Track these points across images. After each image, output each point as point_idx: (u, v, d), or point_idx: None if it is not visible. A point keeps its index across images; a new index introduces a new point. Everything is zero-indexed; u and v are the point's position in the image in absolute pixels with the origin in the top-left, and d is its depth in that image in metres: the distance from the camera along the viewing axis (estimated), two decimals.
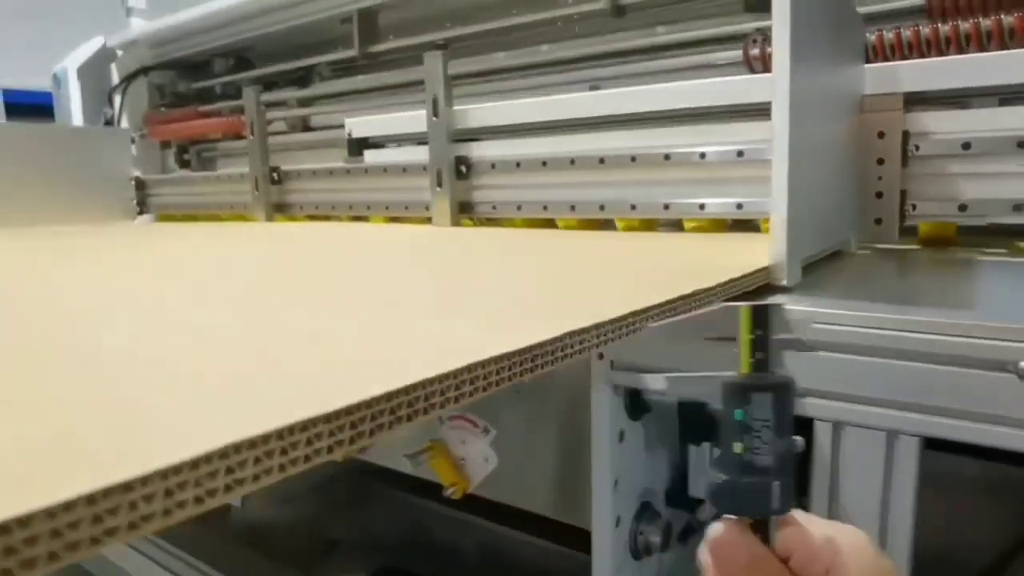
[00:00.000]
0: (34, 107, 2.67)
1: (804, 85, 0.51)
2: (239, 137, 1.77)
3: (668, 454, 0.62)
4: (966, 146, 0.71)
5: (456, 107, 1.10)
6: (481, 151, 1.10)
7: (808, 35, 0.52)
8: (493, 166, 1.08)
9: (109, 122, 2.08)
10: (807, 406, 0.45)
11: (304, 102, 1.67)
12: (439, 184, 1.11)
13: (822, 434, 0.44)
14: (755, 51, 0.98)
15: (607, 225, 0.99)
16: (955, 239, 0.76)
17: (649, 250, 0.73)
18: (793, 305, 0.46)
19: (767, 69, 0.97)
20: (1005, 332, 0.38)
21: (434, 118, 1.09)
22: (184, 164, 2.04)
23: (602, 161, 0.96)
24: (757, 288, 0.50)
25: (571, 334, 0.29)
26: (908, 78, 0.75)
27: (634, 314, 0.34)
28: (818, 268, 0.61)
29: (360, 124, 1.26)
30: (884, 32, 0.84)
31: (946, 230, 0.77)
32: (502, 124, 1.08)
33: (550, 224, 1.03)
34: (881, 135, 0.74)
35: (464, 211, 1.12)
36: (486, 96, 1.30)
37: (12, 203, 1.52)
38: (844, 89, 0.70)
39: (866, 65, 0.77)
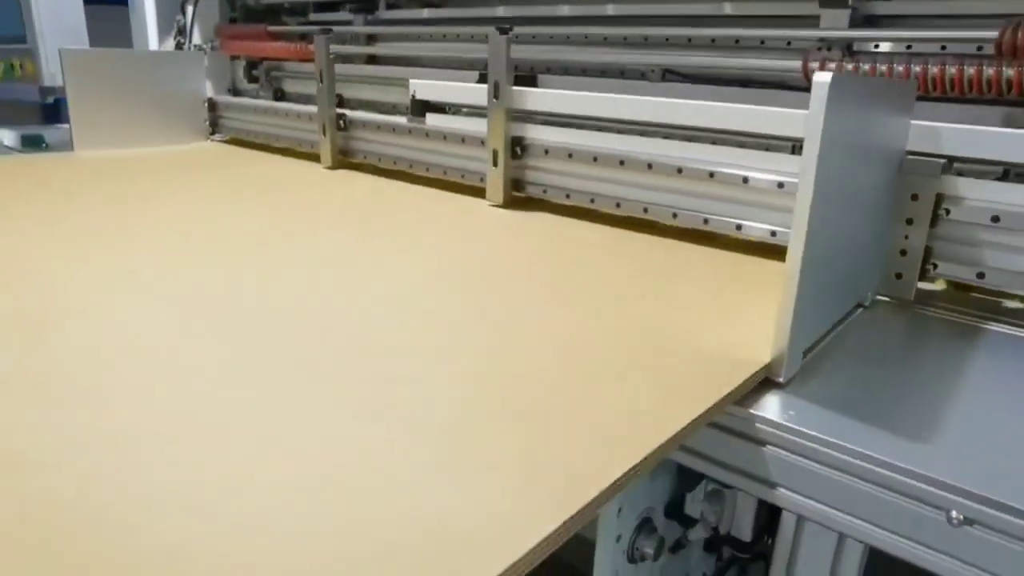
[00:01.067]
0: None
1: (834, 168, 0.56)
2: (307, 59, 1.82)
3: (670, 471, 0.72)
4: (995, 218, 0.74)
5: (515, 88, 1.14)
6: (536, 135, 1.15)
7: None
8: (546, 152, 1.13)
9: (181, 31, 2.14)
10: (778, 496, 0.54)
11: (371, 36, 1.70)
12: (495, 163, 1.16)
13: (787, 522, 0.53)
14: (815, 64, 0.99)
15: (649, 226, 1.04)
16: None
17: (656, 310, 0.73)
18: (771, 415, 0.53)
19: None
20: (946, 486, 0.46)
21: (494, 99, 1.14)
22: (253, 80, 2.10)
23: (650, 167, 1.00)
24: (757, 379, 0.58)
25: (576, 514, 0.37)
26: (951, 142, 0.77)
27: (634, 467, 0.42)
28: (822, 339, 0.67)
29: (424, 87, 1.31)
30: (947, 67, 0.85)
31: None
32: (558, 113, 1.12)
33: (594, 215, 1.09)
34: (915, 197, 0.77)
35: (517, 188, 1.18)
36: (543, 42, 1.34)
37: (95, 126, 1.63)
38: (886, 147, 0.73)
39: (912, 122, 0.78)
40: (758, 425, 0.54)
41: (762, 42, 1.12)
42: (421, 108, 1.32)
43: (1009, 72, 0.81)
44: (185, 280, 0.78)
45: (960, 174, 0.77)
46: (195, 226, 1.02)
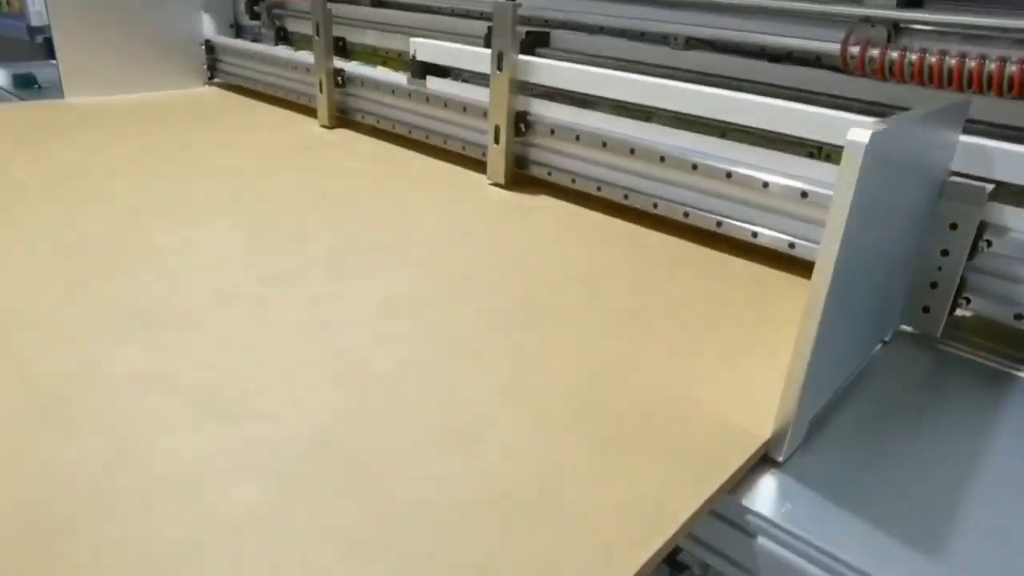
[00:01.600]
0: None
1: (860, 226, 0.48)
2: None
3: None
4: None
5: (521, 58, 1.04)
6: (542, 110, 1.05)
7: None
8: (552, 132, 1.04)
9: None
10: None
11: None
12: (496, 140, 1.08)
13: None
14: (854, 49, 0.88)
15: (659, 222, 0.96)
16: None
17: (645, 353, 0.64)
18: (764, 507, 0.48)
19: (864, 72, 0.88)
20: None
21: (498, 71, 1.04)
22: (255, 16, 1.98)
23: (662, 159, 0.92)
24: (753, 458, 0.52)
25: None
26: (1006, 165, 0.67)
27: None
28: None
29: (426, 47, 1.20)
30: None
31: None
32: (566, 89, 1.02)
33: (601, 203, 1.01)
34: (954, 227, 0.68)
35: (520, 167, 1.10)
36: None
37: (86, 70, 1.54)
38: (927, 169, 0.64)
39: (961, 139, 0.69)
40: (748, 517, 0.48)
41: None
42: (422, 69, 1.22)
43: None
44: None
45: (1009, 201, 0.68)
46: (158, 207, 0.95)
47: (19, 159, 1.13)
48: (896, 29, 0.91)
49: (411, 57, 1.22)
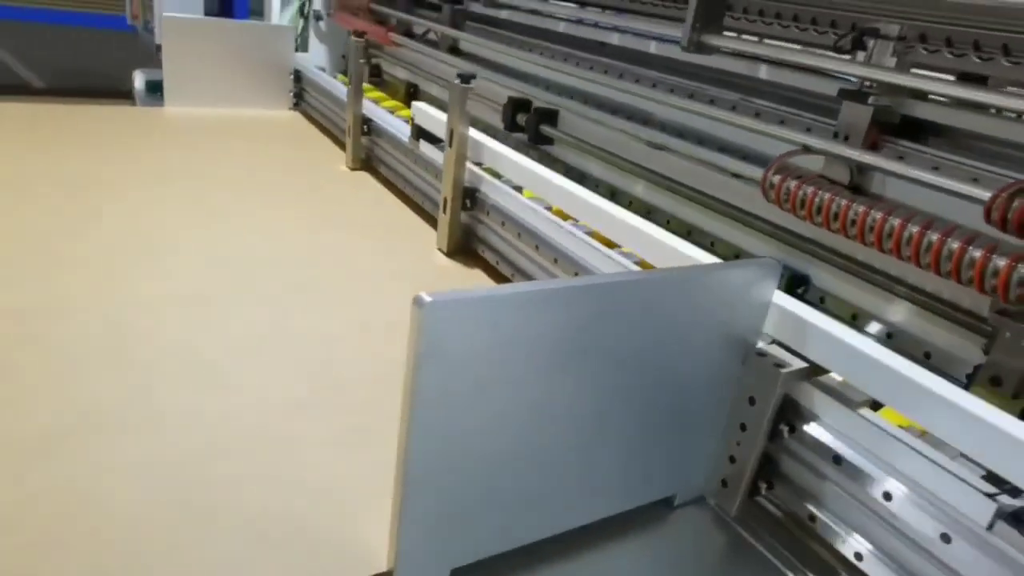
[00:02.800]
0: None
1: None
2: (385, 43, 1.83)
3: None
4: (836, 459, 0.57)
5: (472, 136, 1.06)
6: (489, 192, 1.06)
7: None
8: (487, 212, 1.04)
9: None
10: None
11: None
12: (443, 210, 1.10)
13: None
14: (775, 178, 0.81)
15: None
16: None
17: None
18: None
19: (779, 203, 0.81)
20: None
21: (448, 147, 1.07)
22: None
23: (576, 274, 0.89)
24: None
25: None
26: (822, 350, 0.59)
27: None
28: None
29: (420, 112, 1.26)
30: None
31: None
32: (507, 174, 1.03)
33: None
34: (752, 401, 0.61)
35: (467, 239, 1.12)
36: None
37: (186, 86, 1.77)
38: (719, 329, 0.58)
39: (775, 304, 0.61)
40: None
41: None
42: (418, 132, 1.28)
43: (998, 263, 0.61)
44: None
45: (824, 387, 0.60)
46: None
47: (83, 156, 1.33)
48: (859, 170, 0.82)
49: (411, 119, 1.29)
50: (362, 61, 1.46)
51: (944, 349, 0.74)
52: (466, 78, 1.01)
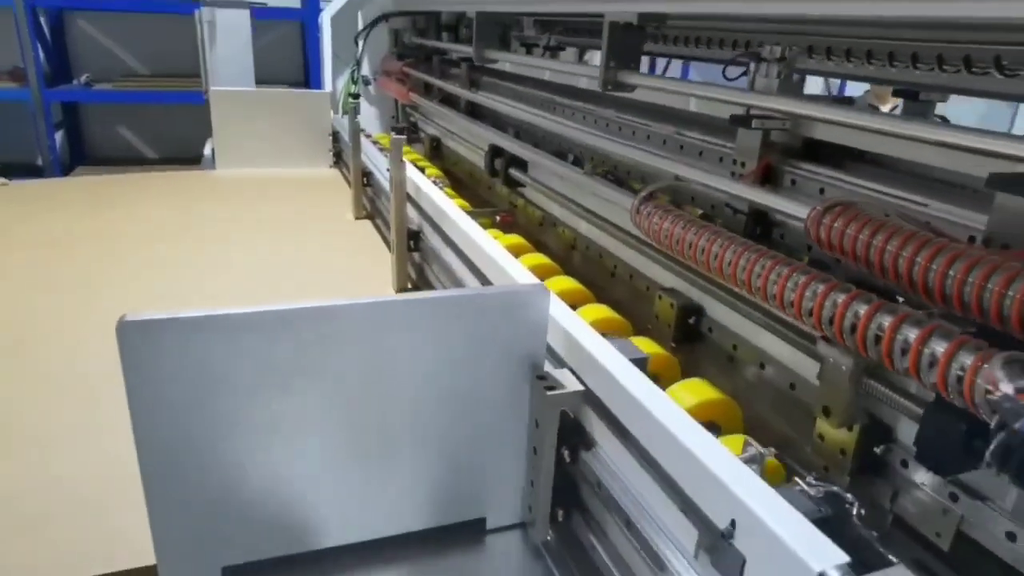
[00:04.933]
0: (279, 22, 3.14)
1: None
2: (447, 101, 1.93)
3: None
4: (598, 484, 0.57)
5: (409, 176, 1.14)
6: (429, 237, 1.13)
7: None
8: (427, 257, 1.11)
9: (359, 62, 2.44)
10: None
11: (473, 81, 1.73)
12: (391, 249, 1.18)
13: None
14: (641, 213, 0.82)
15: None
16: None
17: None
18: None
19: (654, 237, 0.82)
20: None
21: (392, 193, 1.15)
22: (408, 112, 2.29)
23: None
24: None
25: None
26: (593, 372, 0.60)
27: None
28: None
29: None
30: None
31: None
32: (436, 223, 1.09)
33: None
34: (537, 424, 0.62)
35: (417, 279, 1.19)
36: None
37: (234, 149, 1.98)
38: (500, 354, 0.60)
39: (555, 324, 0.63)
40: None
41: None
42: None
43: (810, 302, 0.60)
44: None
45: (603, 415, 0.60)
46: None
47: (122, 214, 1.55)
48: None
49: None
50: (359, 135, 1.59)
51: (806, 380, 0.71)
52: (400, 130, 1.09)
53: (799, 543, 0.37)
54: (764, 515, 0.39)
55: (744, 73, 0.87)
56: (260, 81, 2.34)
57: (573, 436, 0.61)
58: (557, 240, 1.26)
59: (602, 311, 0.90)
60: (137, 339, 0.49)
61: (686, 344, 0.88)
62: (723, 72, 0.88)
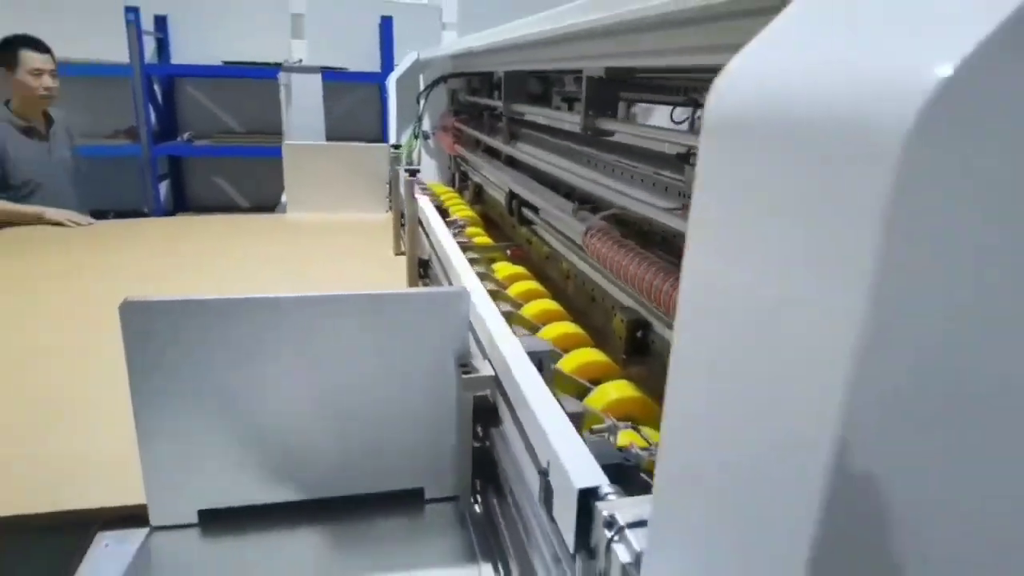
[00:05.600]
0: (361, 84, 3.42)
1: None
2: (489, 152, 2.12)
3: None
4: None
5: (420, 219, 1.29)
6: (435, 264, 1.28)
7: None
8: (435, 280, 1.25)
9: (420, 118, 2.68)
10: None
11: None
12: (409, 283, 1.33)
13: None
14: (589, 242, 0.94)
15: None
16: None
17: None
18: None
19: (600, 259, 0.93)
20: None
21: (404, 227, 1.31)
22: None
23: None
24: None
25: None
26: (500, 361, 0.72)
27: None
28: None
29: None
30: None
31: None
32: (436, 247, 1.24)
33: None
34: (460, 404, 0.74)
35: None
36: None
37: (303, 195, 2.23)
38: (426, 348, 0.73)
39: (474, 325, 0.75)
40: None
41: None
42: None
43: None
44: None
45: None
46: None
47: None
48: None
49: None
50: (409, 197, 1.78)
51: None
52: (412, 172, 1.26)
53: (575, 469, 0.47)
54: (561, 453, 0.50)
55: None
56: (344, 137, 2.62)
57: (490, 418, 0.73)
58: (557, 272, 1.38)
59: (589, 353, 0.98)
60: (136, 318, 0.65)
61: (636, 355, 0.97)
62: (670, 115, 0.99)
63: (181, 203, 3.50)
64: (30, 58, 2.05)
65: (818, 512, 0.21)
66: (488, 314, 0.79)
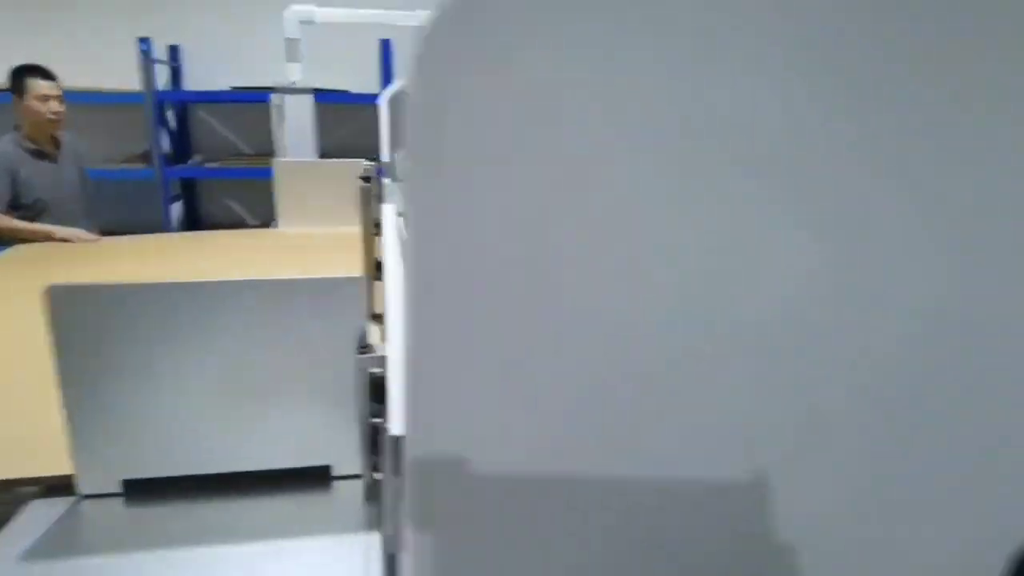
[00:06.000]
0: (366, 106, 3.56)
1: None
2: None
3: None
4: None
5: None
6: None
7: None
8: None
9: None
10: None
11: None
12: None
13: None
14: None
15: None
16: None
17: None
18: None
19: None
20: None
21: (362, 230, 1.39)
22: None
23: None
24: None
25: None
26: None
27: None
28: None
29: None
30: None
31: None
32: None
33: None
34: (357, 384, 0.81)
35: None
36: None
37: (295, 211, 2.33)
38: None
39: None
40: None
41: None
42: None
43: None
44: None
45: None
46: None
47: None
48: None
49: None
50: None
51: None
52: (366, 178, 1.34)
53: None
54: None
55: None
56: (346, 156, 2.73)
57: (382, 395, 0.79)
58: None
59: None
60: (62, 301, 0.73)
61: None
62: None
63: (194, 223, 3.64)
64: (37, 85, 2.20)
65: None
66: (392, 301, 0.86)
